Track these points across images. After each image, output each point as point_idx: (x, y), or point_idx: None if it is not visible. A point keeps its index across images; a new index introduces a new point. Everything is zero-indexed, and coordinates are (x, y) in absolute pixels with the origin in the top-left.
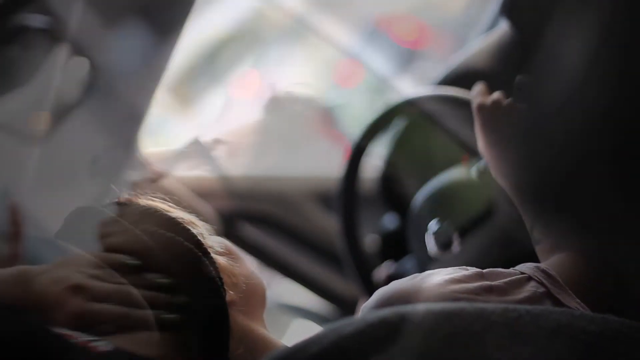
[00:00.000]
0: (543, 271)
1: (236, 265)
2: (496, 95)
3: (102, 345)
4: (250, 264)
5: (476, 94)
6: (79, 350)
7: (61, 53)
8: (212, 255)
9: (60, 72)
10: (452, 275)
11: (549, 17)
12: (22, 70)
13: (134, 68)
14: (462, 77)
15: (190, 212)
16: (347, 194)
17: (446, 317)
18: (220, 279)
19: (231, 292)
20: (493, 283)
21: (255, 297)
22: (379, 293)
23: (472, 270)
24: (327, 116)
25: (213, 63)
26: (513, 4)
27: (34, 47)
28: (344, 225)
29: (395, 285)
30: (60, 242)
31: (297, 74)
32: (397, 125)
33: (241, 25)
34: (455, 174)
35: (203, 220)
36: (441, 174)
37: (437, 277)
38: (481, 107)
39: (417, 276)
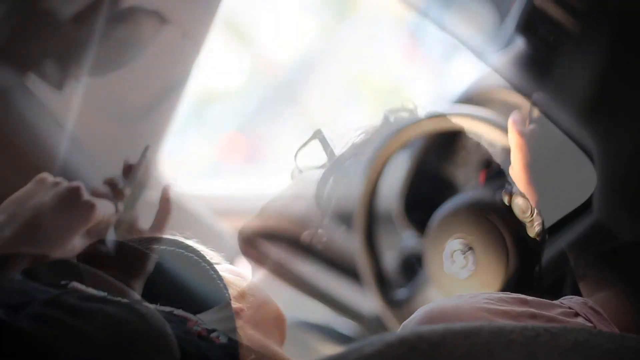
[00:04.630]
0: (591, 307)
1: (243, 281)
2: (534, 125)
3: (221, 337)
4: (261, 286)
5: (514, 121)
6: (202, 341)
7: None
8: (217, 268)
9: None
10: (495, 298)
11: (566, 34)
12: (130, 50)
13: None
14: (479, 95)
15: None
16: (366, 211)
17: (465, 336)
18: (225, 285)
19: (237, 303)
20: (538, 311)
21: (266, 315)
22: (422, 311)
23: (517, 296)
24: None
25: (201, 119)
26: (529, 21)
27: (142, 27)
28: (363, 243)
29: (439, 303)
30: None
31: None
32: (416, 142)
33: (234, 81)
34: (478, 193)
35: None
36: (462, 192)
37: (481, 298)
38: (519, 136)
39: (461, 296)
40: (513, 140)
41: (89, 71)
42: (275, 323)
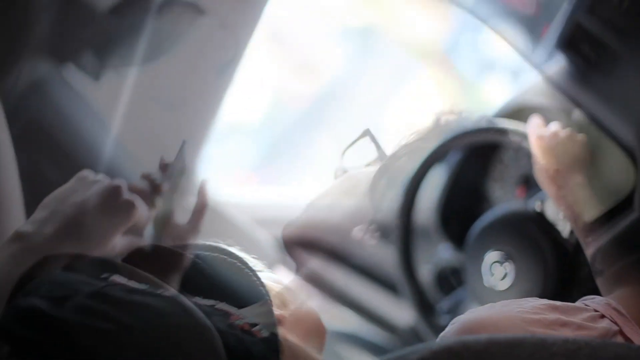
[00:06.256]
0: (615, 309)
1: (285, 289)
2: (554, 126)
3: (263, 331)
4: (302, 294)
5: (533, 126)
6: (244, 335)
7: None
8: (260, 275)
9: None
10: (527, 306)
11: (608, 52)
12: (167, 40)
13: None
14: (518, 111)
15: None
16: (403, 224)
17: (508, 347)
18: (267, 292)
19: (279, 310)
20: (567, 318)
21: (308, 324)
22: (457, 322)
23: (546, 302)
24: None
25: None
26: (571, 38)
27: (179, 19)
28: (400, 255)
29: (473, 314)
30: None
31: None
32: (454, 157)
33: (255, 114)
34: (512, 205)
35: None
36: (498, 206)
37: (513, 307)
38: (539, 139)
39: (493, 306)
40: (534, 145)
41: (127, 62)
42: (316, 332)
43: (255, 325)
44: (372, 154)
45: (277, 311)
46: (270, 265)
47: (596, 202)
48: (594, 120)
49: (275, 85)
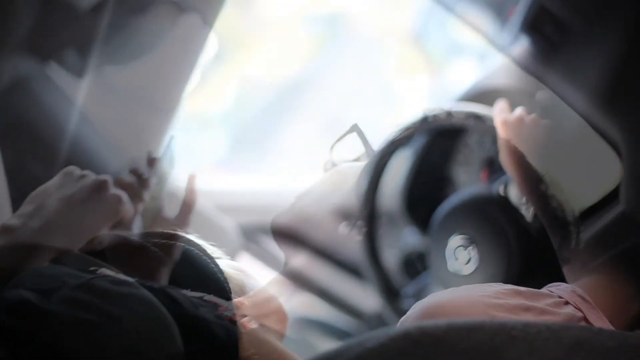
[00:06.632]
0: (580, 296)
1: (244, 276)
2: (519, 111)
3: (251, 322)
4: (262, 282)
5: (499, 110)
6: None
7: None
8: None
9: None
10: (490, 291)
11: (571, 33)
12: (149, 39)
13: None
14: (483, 94)
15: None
16: (367, 209)
17: (468, 331)
18: (226, 279)
19: (238, 297)
20: (530, 303)
21: (267, 310)
22: (418, 306)
23: (510, 287)
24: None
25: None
26: (534, 20)
27: (162, 17)
28: (365, 240)
29: (434, 298)
30: None
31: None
32: (418, 141)
33: (220, 105)
34: (475, 189)
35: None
36: (462, 190)
37: (476, 291)
38: (505, 124)
39: (455, 290)
40: (499, 129)
41: (110, 60)
42: (276, 318)
43: (243, 316)
44: (360, 149)
45: (235, 298)
46: (233, 253)
47: (579, 195)
48: (575, 110)
49: (242, 74)
